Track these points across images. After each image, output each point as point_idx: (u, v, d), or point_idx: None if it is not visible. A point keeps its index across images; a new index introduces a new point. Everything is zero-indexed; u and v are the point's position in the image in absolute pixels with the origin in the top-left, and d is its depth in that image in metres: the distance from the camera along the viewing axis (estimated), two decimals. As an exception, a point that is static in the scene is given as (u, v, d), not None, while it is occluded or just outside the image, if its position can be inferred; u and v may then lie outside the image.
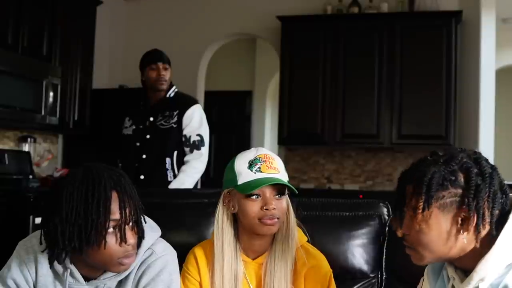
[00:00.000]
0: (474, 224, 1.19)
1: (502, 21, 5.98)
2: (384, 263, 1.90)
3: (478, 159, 1.25)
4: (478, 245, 1.21)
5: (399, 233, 1.28)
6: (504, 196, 1.23)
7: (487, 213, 1.20)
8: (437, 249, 1.23)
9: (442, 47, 4.97)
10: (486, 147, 5.06)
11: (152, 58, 3.38)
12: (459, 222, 1.21)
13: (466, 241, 1.21)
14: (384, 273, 1.90)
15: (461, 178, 1.21)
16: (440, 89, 4.96)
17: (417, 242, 1.25)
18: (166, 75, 3.37)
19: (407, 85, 5.05)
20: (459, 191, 1.20)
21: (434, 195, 1.20)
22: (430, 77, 4.98)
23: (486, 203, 1.19)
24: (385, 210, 1.99)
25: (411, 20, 5.17)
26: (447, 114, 4.94)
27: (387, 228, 1.92)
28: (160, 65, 3.35)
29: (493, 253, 1.19)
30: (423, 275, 1.44)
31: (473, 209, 1.19)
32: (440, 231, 1.22)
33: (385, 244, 1.91)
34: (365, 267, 1.88)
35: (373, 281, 1.89)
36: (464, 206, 1.19)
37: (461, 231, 1.21)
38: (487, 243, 1.21)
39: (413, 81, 5.02)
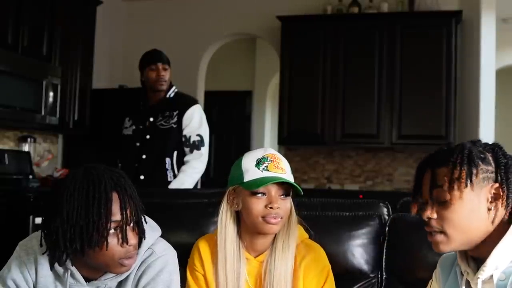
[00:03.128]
0: (505, 199, 1.22)
1: (502, 21, 5.97)
2: (384, 263, 1.90)
3: (498, 145, 1.30)
4: (494, 227, 1.23)
5: (427, 216, 1.28)
6: None
7: None
8: (468, 230, 1.24)
9: (442, 47, 4.97)
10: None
11: (152, 59, 3.38)
12: (489, 199, 1.23)
13: (493, 219, 1.23)
14: (384, 273, 1.90)
15: (489, 156, 1.25)
16: (440, 89, 4.96)
17: (447, 222, 1.25)
18: (166, 75, 3.37)
19: (407, 85, 5.05)
20: (490, 167, 1.24)
21: (477, 167, 1.23)
22: (430, 77, 4.98)
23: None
24: (385, 210, 1.99)
25: (411, 20, 5.17)
26: (447, 114, 4.94)
27: (387, 228, 1.92)
28: (160, 65, 3.35)
29: (506, 239, 1.22)
30: (424, 274, 1.44)
31: (505, 185, 1.22)
32: (472, 208, 1.23)
33: (385, 244, 1.91)
34: (365, 267, 1.88)
35: (373, 281, 1.89)
36: (495, 182, 1.23)
37: (492, 208, 1.23)
38: (503, 230, 1.23)
39: (413, 81, 5.03)
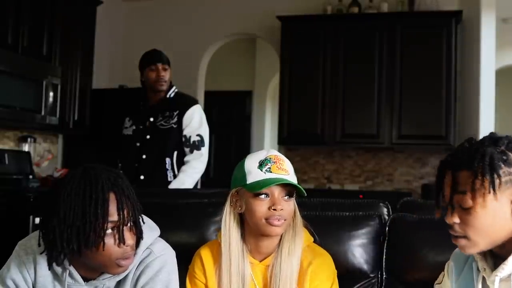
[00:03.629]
0: None
1: (502, 21, 5.97)
2: (384, 263, 1.90)
3: None
4: None
5: (450, 221, 1.26)
6: None
7: None
8: (493, 232, 1.22)
9: (442, 47, 4.97)
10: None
11: (151, 59, 3.38)
12: None
13: None
14: (384, 273, 1.90)
15: (510, 157, 1.22)
16: (440, 89, 4.96)
17: (470, 227, 1.23)
18: (166, 75, 3.36)
19: (407, 85, 5.05)
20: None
21: (499, 174, 1.19)
22: (430, 77, 4.98)
23: None
24: (385, 210, 1.99)
25: (411, 20, 5.17)
26: (447, 114, 4.94)
27: (387, 228, 1.92)
28: (160, 65, 3.34)
29: None
30: (424, 274, 1.44)
31: None
32: (496, 213, 1.21)
33: (385, 244, 1.90)
34: (365, 267, 1.88)
35: (373, 281, 1.89)
36: None
37: None
38: None
39: (413, 81, 5.02)
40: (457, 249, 1.38)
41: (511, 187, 1.21)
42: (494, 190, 1.19)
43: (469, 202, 1.21)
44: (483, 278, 1.27)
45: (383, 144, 5.17)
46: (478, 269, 1.30)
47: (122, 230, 1.39)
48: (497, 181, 1.19)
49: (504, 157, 1.21)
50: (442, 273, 1.43)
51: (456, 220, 1.24)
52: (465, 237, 1.25)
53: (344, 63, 5.20)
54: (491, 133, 1.29)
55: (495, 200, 1.20)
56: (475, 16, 5.06)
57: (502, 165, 1.20)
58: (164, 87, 3.37)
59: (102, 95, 5.25)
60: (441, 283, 1.43)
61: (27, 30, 4.28)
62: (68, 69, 4.76)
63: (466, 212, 1.23)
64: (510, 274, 1.20)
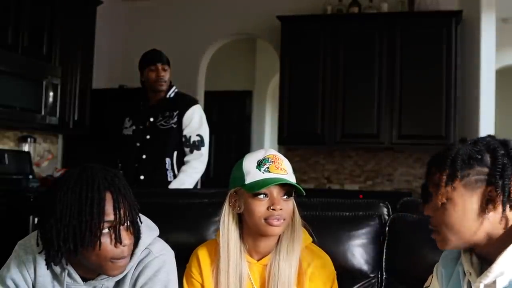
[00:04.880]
0: (500, 204, 1.19)
1: (502, 21, 5.97)
2: (384, 263, 1.89)
3: (505, 141, 1.26)
4: (504, 230, 1.20)
5: (425, 213, 1.29)
6: None
7: None
8: (462, 230, 1.23)
9: (442, 47, 4.97)
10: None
11: (151, 59, 3.38)
12: (485, 201, 1.20)
13: (491, 222, 1.20)
14: (384, 273, 1.89)
15: (487, 157, 1.22)
16: (440, 89, 4.96)
17: (442, 223, 1.25)
18: (165, 76, 3.36)
19: (407, 85, 5.04)
20: (485, 169, 1.21)
21: (458, 169, 1.21)
22: (430, 77, 4.98)
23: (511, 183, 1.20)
24: (385, 210, 1.99)
25: (411, 20, 5.17)
26: (447, 114, 4.94)
27: (387, 228, 1.92)
28: (159, 66, 3.34)
29: None
30: (424, 274, 1.44)
31: (499, 188, 1.19)
32: (465, 210, 1.22)
33: (385, 244, 1.90)
34: (365, 267, 1.88)
35: (373, 281, 1.89)
36: (490, 185, 1.20)
37: (486, 211, 1.20)
38: None
39: (413, 81, 5.02)
40: (444, 252, 1.39)
41: (483, 187, 1.21)
42: (452, 183, 1.21)
43: (438, 198, 1.24)
44: (469, 282, 1.27)
45: (383, 144, 5.17)
46: (464, 272, 1.30)
47: (119, 230, 1.39)
48: (458, 175, 1.21)
49: (478, 156, 1.22)
50: (431, 275, 1.43)
51: (429, 213, 1.28)
52: (437, 231, 1.27)
53: (344, 63, 5.20)
54: (487, 136, 1.29)
55: (463, 196, 1.22)
56: (475, 16, 5.06)
57: (475, 164, 1.21)
58: (164, 87, 3.37)
59: (102, 95, 5.25)
60: (429, 286, 1.43)
61: (27, 30, 4.28)
62: (68, 69, 4.76)
63: (439, 207, 1.25)
64: (495, 281, 1.19)
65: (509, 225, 1.21)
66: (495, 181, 1.19)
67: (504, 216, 1.20)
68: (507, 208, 1.19)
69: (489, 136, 1.28)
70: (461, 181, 1.21)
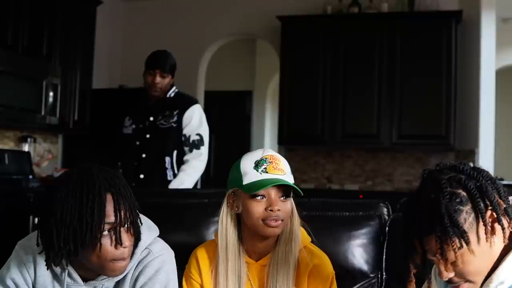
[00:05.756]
0: (496, 221, 1.19)
1: (502, 21, 5.98)
2: (384, 263, 1.89)
3: (455, 167, 1.25)
4: (506, 241, 1.20)
5: (444, 278, 1.24)
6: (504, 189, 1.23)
7: (501, 203, 1.20)
8: (486, 266, 1.21)
9: (442, 47, 4.97)
10: (486, 147, 5.07)
11: (152, 63, 3.32)
12: (489, 228, 1.19)
13: (500, 241, 1.20)
14: (384, 273, 1.90)
15: (462, 193, 1.20)
16: (440, 89, 4.96)
17: (467, 274, 1.22)
18: (161, 83, 3.31)
19: (407, 85, 5.04)
20: (470, 204, 1.19)
21: (465, 229, 1.18)
22: (430, 77, 4.98)
23: (495, 195, 1.20)
24: (385, 210, 1.99)
25: (411, 20, 5.17)
26: (447, 114, 4.94)
27: (387, 228, 1.92)
28: (158, 72, 3.29)
29: None
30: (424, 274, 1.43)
31: (490, 208, 1.18)
32: (481, 251, 1.20)
33: (385, 244, 1.90)
34: (365, 267, 1.88)
35: (373, 281, 1.89)
36: (481, 213, 1.18)
37: (492, 235, 1.19)
38: (510, 244, 1.21)
39: (413, 81, 5.02)
40: None
41: (480, 221, 1.19)
42: (467, 244, 1.18)
43: (455, 261, 1.20)
44: None
45: (383, 144, 5.17)
46: None
47: (119, 231, 1.38)
48: (465, 234, 1.18)
49: (457, 200, 1.19)
50: (429, 277, 1.43)
51: (449, 275, 1.23)
52: (467, 281, 1.24)
53: (344, 63, 5.20)
54: (429, 174, 1.26)
55: (474, 239, 1.19)
56: (475, 16, 5.06)
57: (461, 208, 1.19)
58: (157, 94, 3.34)
59: (102, 95, 5.25)
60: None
61: (27, 30, 4.28)
62: (68, 69, 4.76)
63: (454, 263, 1.21)
64: None
65: (507, 233, 1.21)
66: (484, 205, 1.19)
67: (504, 229, 1.20)
68: (504, 221, 1.19)
69: (438, 171, 1.25)
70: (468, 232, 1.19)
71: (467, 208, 1.19)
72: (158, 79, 3.30)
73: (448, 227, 1.17)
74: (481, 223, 1.19)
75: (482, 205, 1.19)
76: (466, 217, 1.19)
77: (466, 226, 1.18)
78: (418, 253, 1.24)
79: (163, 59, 3.36)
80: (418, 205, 1.23)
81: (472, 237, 1.19)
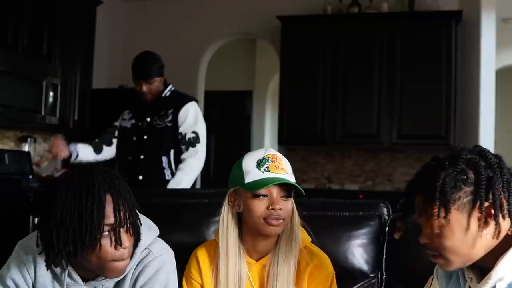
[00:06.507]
0: (493, 216, 1.18)
1: (502, 21, 5.97)
2: (384, 263, 1.89)
3: (481, 151, 1.25)
4: (499, 240, 1.20)
5: (421, 241, 1.26)
6: None
7: (504, 203, 1.19)
8: (464, 251, 1.22)
9: (442, 47, 4.97)
10: (486, 147, 5.06)
11: (136, 75, 3.30)
12: (483, 219, 1.19)
13: (489, 237, 1.20)
14: (384, 273, 1.90)
15: (471, 175, 1.20)
16: (440, 89, 4.96)
17: (442, 248, 1.23)
18: (149, 89, 3.29)
19: (407, 85, 5.04)
20: (473, 188, 1.20)
21: (449, 199, 1.19)
22: (430, 77, 4.98)
23: (501, 193, 1.19)
24: (385, 210, 1.99)
25: (411, 20, 5.17)
26: (447, 114, 4.94)
27: (387, 228, 1.92)
28: (142, 82, 3.28)
29: None
30: (424, 274, 1.43)
31: (490, 201, 1.18)
32: (463, 233, 1.20)
33: (385, 244, 1.90)
34: (365, 267, 1.88)
35: (373, 281, 1.89)
36: (482, 201, 1.18)
37: (484, 227, 1.19)
38: (509, 241, 1.20)
39: (413, 81, 5.02)
40: None
41: (476, 205, 1.19)
42: (446, 214, 1.19)
43: (433, 227, 1.22)
44: (469, 287, 1.27)
45: (383, 144, 5.17)
46: (465, 277, 1.30)
47: (119, 232, 1.38)
48: (450, 203, 1.19)
49: (463, 177, 1.20)
50: (431, 277, 1.43)
51: (425, 240, 1.25)
52: (441, 256, 1.25)
53: (344, 63, 5.20)
54: (456, 147, 1.28)
55: (459, 218, 1.20)
56: (475, 16, 5.06)
57: (462, 186, 1.19)
58: (149, 99, 3.35)
59: (102, 95, 5.25)
60: (430, 287, 1.43)
61: (27, 30, 4.28)
62: (68, 69, 4.75)
63: (432, 232, 1.23)
64: (494, 286, 1.20)
65: (503, 234, 1.21)
66: (485, 195, 1.19)
67: (499, 227, 1.19)
68: (500, 219, 1.19)
69: (462, 148, 1.27)
70: (454, 206, 1.20)
71: (468, 189, 1.20)
72: (144, 88, 3.29)
73: (437, 192, 1.19)
74: (476, 211, 1.19)
75: (483, 195, 1.19)
76: (462, 196, 1.19)
77: (456, 203, 1.19)
78: (415, 208, 1.27)
79: (145, 67, 3.30)
80: (430, 166, 1.26)
81: (459, 217, 1.19)
